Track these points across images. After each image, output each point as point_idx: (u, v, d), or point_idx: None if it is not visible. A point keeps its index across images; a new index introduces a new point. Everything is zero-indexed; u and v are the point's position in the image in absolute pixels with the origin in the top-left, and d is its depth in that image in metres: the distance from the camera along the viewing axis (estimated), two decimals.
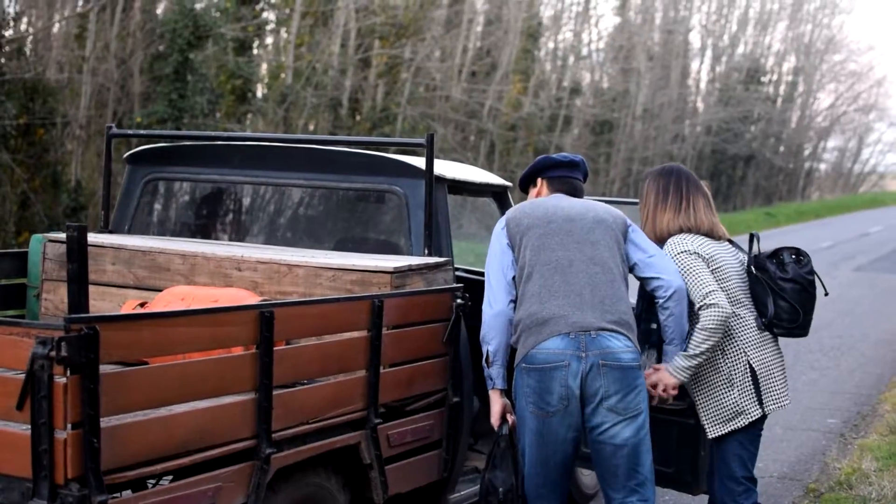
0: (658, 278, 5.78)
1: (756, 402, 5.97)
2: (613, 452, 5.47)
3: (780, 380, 6.10)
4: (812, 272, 6.12)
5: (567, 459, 5.56)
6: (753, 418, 5.96)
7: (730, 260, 6.11)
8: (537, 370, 5.44)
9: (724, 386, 5.98)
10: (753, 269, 6.08)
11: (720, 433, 6.01)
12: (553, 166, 6.04)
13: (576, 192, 6.01)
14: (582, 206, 5.82)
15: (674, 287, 5.75)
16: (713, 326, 5.81)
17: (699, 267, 5.92)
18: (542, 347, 5.44)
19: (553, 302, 5.51)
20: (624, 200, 7.84)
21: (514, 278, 5.69)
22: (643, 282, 5.90)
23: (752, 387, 5.97)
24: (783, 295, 6.03)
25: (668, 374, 5.90)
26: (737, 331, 6.02)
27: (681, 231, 6.12)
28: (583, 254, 5.61)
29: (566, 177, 6.01)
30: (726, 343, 5.99)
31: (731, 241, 6.28)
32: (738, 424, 5.96)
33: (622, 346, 5.47)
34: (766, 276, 6.04)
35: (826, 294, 6.36)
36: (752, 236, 6.20)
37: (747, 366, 5.97)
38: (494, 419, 5.77)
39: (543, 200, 5.89)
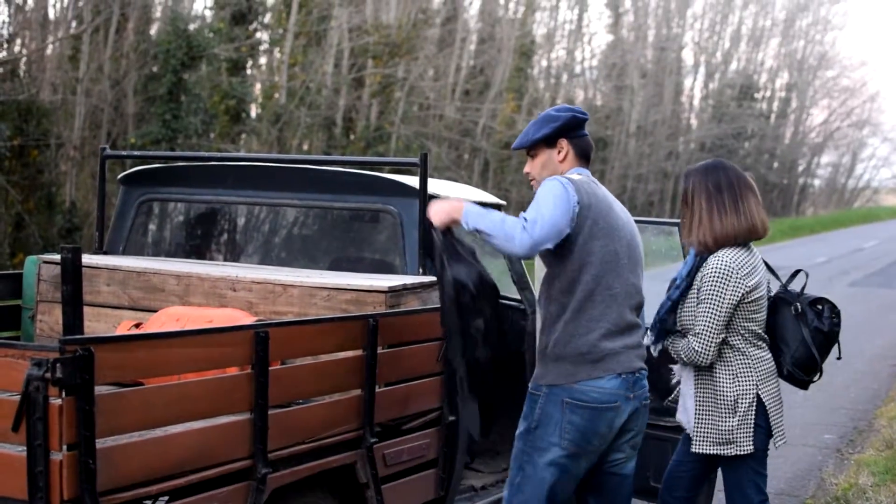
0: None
1: (750, 437, 5.85)
2: (621, 482, 5.44)
3: (782, 415, 6.05)
4: (838, 332, 6.07)
5: (570, 494, 5.43)
6: (742, 452, 5.86)
7: (764, 287, 5.95)
8: (588, 409, 5.14)
9: (727, 412, 5.86)
10: (794, 309, 5.99)
11: (704, 451, 5.92)
12: (579, 126, 5.46)
13: (590, 156, 5.53)
14: (627, 220, 5.39)
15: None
16: (685, 359, 5.85)
17: (724, 308, 5.75)
18: (597, 385, 5.13)
19: (611, 337, 5.17)
20: (660, 221, 7.87)
21: (555, 246, 5.06)
22: None
23: (752, 419, 5.85)
24: (814, 345, 5.96)
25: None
26: (754, 360, 5.89)
27: (739, 233, 5.84)
28: (633, 287, 5.31)
29: (586, 136, 5.49)
30: (739, 370, 5.87)
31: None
32: (725, 452, 5.88)
33: (647, 385, 5.39)
34: (804, 321, 5.97)
35: (839, 358, 6.30)
36: (797, 272, 6.15)
37: (755, 398, 5.86)
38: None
39: (605, 195, 5.29)
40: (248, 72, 29.13)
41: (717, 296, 5.74)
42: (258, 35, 28.77)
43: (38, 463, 3.93)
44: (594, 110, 47.41)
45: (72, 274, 4.09)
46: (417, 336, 5.90)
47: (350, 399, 5.40)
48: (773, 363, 5.96)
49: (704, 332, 5.75)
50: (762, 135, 64.56)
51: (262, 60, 31.21)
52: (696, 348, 5.77)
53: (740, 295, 5.75)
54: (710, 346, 5.76)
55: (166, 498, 4.52)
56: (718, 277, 5.74)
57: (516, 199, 34.12)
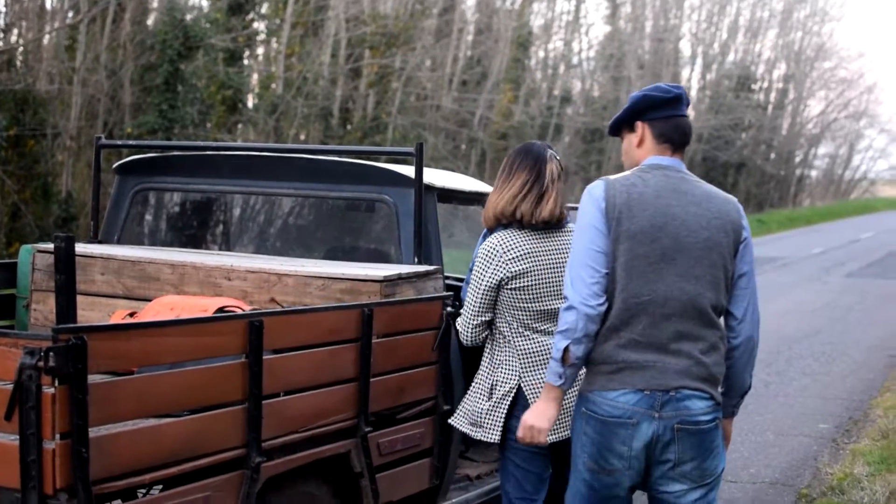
0: (732, 316, 4.92)
1: (499, 426, 5.49)
2: None
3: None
4: None
5: None
6: (489, 440, 5.53)
7: (541, 275, 5.55)
8: (598, 421, 4.73)
9: (482, 395, 5.59)
10: None
11: (457, 426, 5.72)
12: (658, 105, 4.90)
13: (686, 139, 4.95)
14: (699, 213, 4.75)
15: (743, 336, 4.93)
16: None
17: (483, 289, 5.50)
18: (608, 397, 4.70)
19: (633, 348, 4.69)
20: None
21: (607, 274, 4.69)
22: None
23: (505, 409, 5.50)
24: None
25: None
26: (518, 350, 5.53)
27: (502, 214, 5.54)
28: (682, 292, 4.69)
29: (673, 116, 4.91)
30: (501, 357, 5.55)
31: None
32: (474, 434, 5.58)
33: (703, 408, 4.70)
34: None
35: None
36: None
37: (514, 389, 5.51)
38: (544, 422, 4.91)
39: (655, 190, 4.75)
40: (245, 62, 29.11)
41: (477, 276, 5.50)
42: (255, 25, 28.76)
43: (30, 452, 3.92)
44: (591, 101, 47.46)
45: (65, 263, 4.08)
46: (412, 325, 5.90)
47: (344, 388, 5.39)
48: (546, 355, 5.45)
49: (465, 312, 5.58)
50: (759, 126, 64.54)
51: (259, 50, 31.23)
52: (458, 327, 5.65)
53: (500, 277, 5.44)
54: (469, 327, 5.57)
55: (160, 487, 4.52)
56: (482, 257, 5.51)
57: None
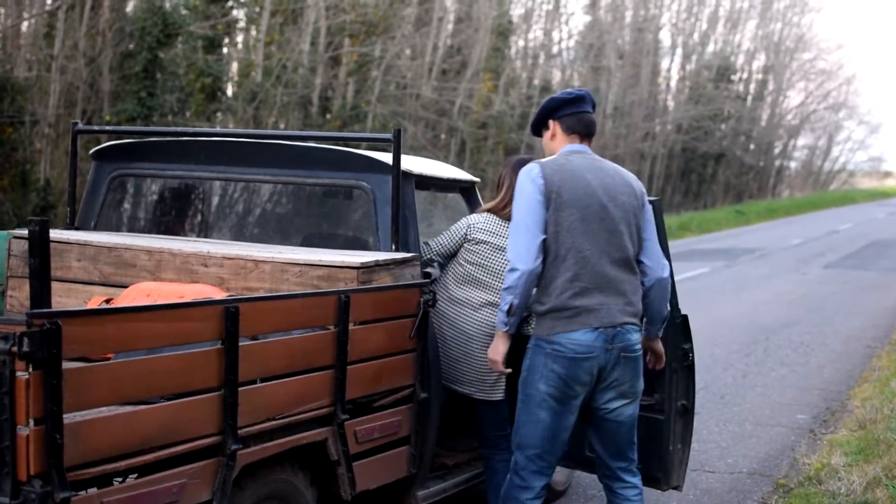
0: (644, 263, 6.05)
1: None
2: (618, 428, 6.00)
3: None
4: None
5: (569, 433, 5.95)
6: None
7: (487, 246, 6.74)
8: (566, 359, 5.74)
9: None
10: None
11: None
12: (562, 105, 6.10)
13: (590, 129, 6.12)
14: (613, 183, 5.92)
15: (654, 277, 6.05)
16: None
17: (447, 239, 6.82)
18: (572, 338, 5.74)
19: (585, 295, 5.76)
20: None
21: (544, 240, 5.77)
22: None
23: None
24: None
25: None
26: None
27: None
28: (611, 245, 5.83)
29: (577, 112, 6.08)
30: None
31: None
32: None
33: (637, 338, 5.92)
34: None
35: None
36: None
37: None
38: (497, 356, 5.95)
39: (579, 168, 5.90)
40: (224, 50, 29.00)
41: (453, 228, 6.78)
42: (234, 13, 28.66)
43: (4, 437, 3.91)
44: None
45: (39, 247, 4.05)
46: (389, 313, 5.91)
47: (321, 376, 5.39)
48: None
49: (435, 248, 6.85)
50: (739, 116, 64.60)
51: (239, 38, 31.11)
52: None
53: (460, 236, 6.71)
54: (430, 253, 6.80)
55: (135, 474, 4.50)
56: (461, 221, 6.80)
57: (492, 178, 34.02)
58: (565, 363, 5.74)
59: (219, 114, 27.28)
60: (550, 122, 6.14)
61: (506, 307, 5.81)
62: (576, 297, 5.74)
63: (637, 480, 6.16)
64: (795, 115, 79.13)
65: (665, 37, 59.60)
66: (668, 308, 6.23)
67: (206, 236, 7.04)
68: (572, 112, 6.08)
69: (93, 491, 4.34)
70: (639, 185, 6.07)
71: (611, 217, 5.83)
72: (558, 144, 6.09)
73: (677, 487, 7.02)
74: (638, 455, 6.22)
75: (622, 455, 6.09)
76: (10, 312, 6.45)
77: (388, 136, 6.31)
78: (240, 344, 4.80)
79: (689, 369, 6.93)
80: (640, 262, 6.01)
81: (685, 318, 6.84)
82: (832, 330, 16.76)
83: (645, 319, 6.17)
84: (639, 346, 5.94)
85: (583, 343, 5.72)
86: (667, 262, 6.16)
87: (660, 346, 6.39)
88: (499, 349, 5.93)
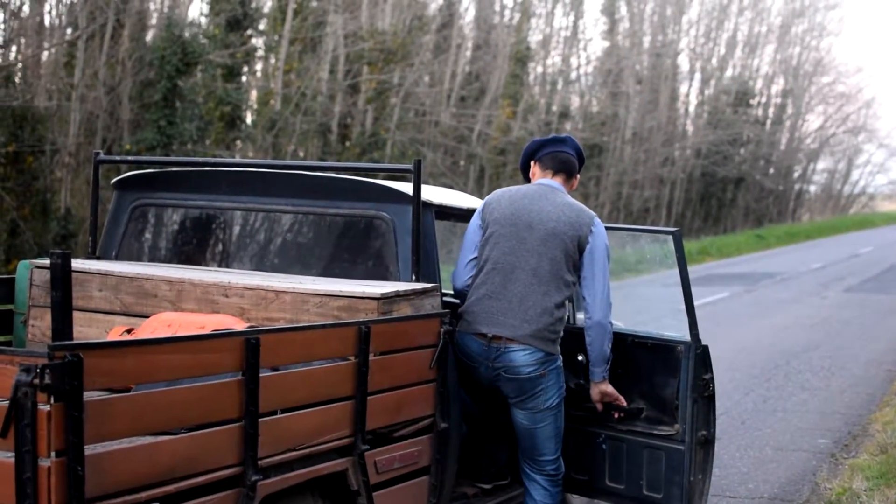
0: (585, 300, 6.49)
1: None
2: (518, 429, 6.55)
3: None
4: None
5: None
6: None
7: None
8: (464, 356, 6.45)
9: None
10: None
11: None
12: (539, 147, 6.77)
13: (563, 165, 6.67)
14: (547, 213, 6.43)
15: (595, 317, 6.46)
16: None
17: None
18: (465, 340, 6.43)
19: (486, 301, 6.36)
20: (653, 229, 7.84)
21: (474, 259, 6.50)
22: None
23: None
24: None
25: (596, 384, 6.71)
26: None
27: None
28: (528, 263, 6.35)
29: (553, 152, 6.69)
30: None
31: None
32: None
33: (527, 360, 6.31)
34: None
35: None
36: None
37: None
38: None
39: (520, 195, 6.53)
40: (244, 78, 29.10)
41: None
42: (253, 41, 28.78)
43: (25, 469, 3.90)
44: (590, 117, 47.47)
45: (61, 279, 4.07)
46: (410, 343, 5.89)
47: (341, 406, 5.38)
48: None
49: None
50: (758, 141, 64.57)
51: (258, 67, 31.24)
52: None
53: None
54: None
55: None
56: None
57: None
58: (464, 361, 6.44)
59: (238, 142, 27.37)
60: (532, 163, 6.80)
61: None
62: (479, 301, 6.38)
63: (532, 485, 6.61)
64: (815, 139, 79.06)
65: (683, 62, 59.65)
66: (609, 350, 6.53)
67: (226, 266, 7.06)
68: (548, 152, 6.71)
69: None
70: (587, 226, 6.43)
71: (535, 237, 6.36)
72: (537, 179, 6.75)
73: None
74: (658, 485, 6.21)
75: (524, 453, 6.60)
76: (31, 342, 6.47)
77: (409, 166, 6.31)
78: (260, 375, 4.81)
79: (710, 399, 6.90)
80: (583, 298, 6.49)
81: (706, 348, 6.78)
82: (853, 354, 16.72)
83: (588, 361, 6.61)
84: (527, 368, 6.31)
85: (469, 349, 6.40)
86: (608, 306, 6.45)
87: (606, 387, 6.65)
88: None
